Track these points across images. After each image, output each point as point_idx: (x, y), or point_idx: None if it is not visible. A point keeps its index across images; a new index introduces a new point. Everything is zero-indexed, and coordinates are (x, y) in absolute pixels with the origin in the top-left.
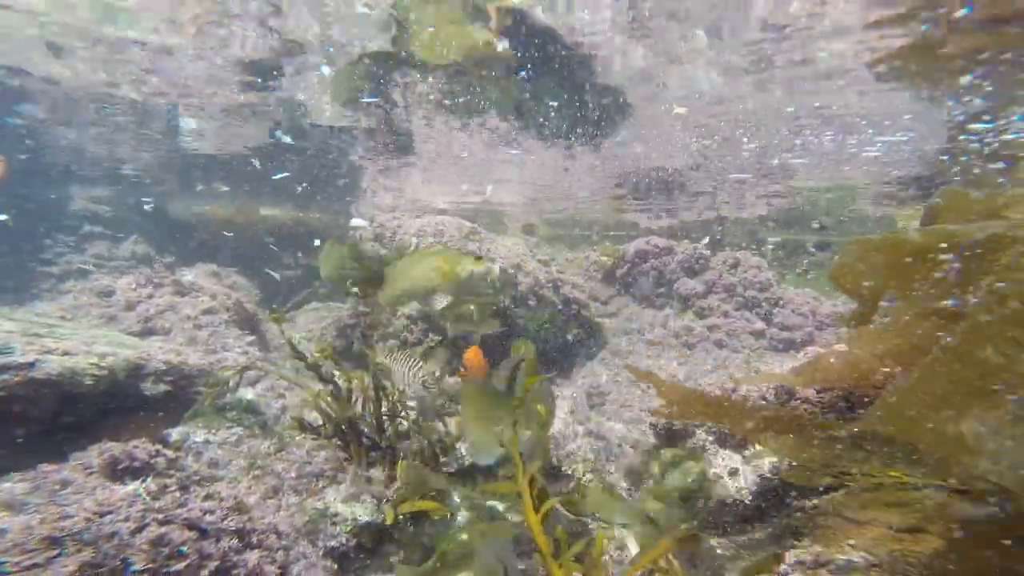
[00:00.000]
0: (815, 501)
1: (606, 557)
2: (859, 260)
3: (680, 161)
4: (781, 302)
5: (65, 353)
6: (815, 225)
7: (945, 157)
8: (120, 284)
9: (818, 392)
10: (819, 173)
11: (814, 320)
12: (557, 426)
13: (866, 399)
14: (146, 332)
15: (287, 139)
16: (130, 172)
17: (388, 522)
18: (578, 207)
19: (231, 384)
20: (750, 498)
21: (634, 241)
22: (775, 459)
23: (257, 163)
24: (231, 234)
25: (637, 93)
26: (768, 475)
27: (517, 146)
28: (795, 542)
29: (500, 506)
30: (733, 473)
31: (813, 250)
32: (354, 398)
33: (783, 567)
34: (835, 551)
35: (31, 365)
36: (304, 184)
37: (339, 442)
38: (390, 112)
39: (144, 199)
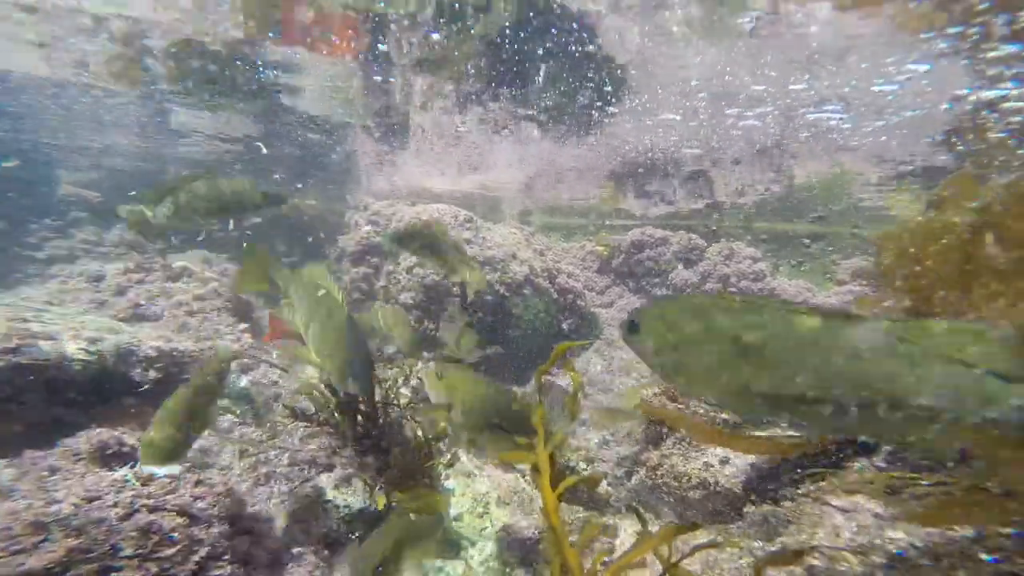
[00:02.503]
0: (803, 489)
1: (599, 545)
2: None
3: (675, 143)
4: (775, 293)
5: (51, 338)
6: (813, 217)
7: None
8: (110, 270)
9: None
10: (816, 157)
11: None
12: None
13: None
14: (136, 318)
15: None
16: (120, 157)
17: (380, 509)
18: (573, 195)
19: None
20: (741, 486)
21: (630, 231)
22: None
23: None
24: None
25: (632, 71)
26: (759, 463)
27: (513, 129)
28: (783, 530)
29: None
30: (725, 462)
31: (807, 242)
32: None
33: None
34: (822, 538)
35: (15, 350)
36: (299, 185)
37: (332, 429)
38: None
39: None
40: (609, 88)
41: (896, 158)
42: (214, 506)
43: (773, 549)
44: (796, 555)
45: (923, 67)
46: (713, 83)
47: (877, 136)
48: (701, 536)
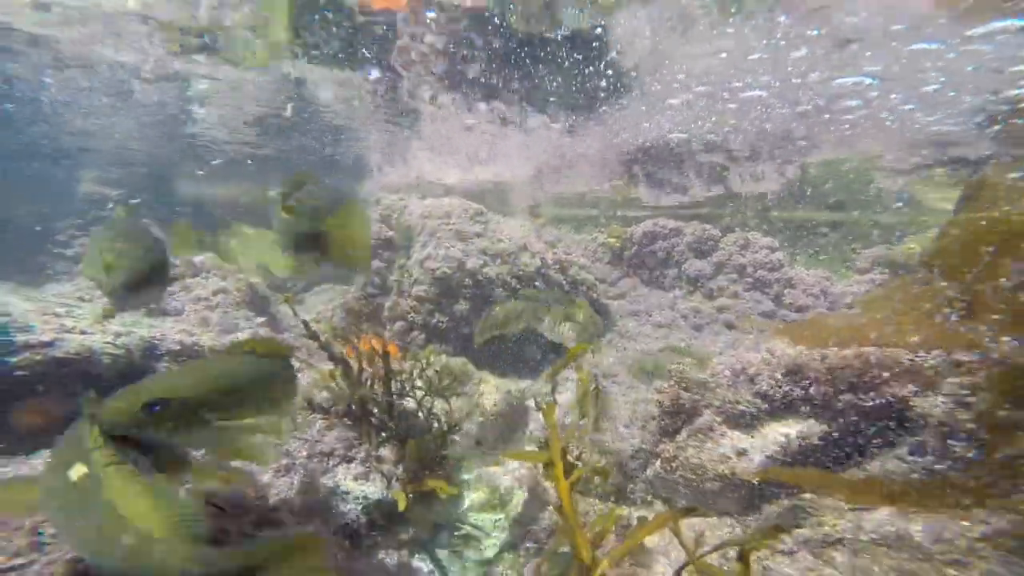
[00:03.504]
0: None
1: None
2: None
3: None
4: (792, 283)
5: (82, 332)
6: (831, 201)
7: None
8: None
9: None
10: (839, 144)
11: (825, 301)
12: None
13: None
14: (158, 312)
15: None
16: (139, 153)
17: (400, 505)
18: (585, 185)
19: None
20: (759, 479)
21: (642, 223)
22: (783, 439)
23: (289, 111)
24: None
25: (644, 62)
26: (776, 456)
27: (522, 119)
28: (803, 522)
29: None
30: (742, 453)
31: (825, 230)
32: (364, 378)
33: (790, 545)
34: (844, 530)
35: (51, 344)
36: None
37: (349, 421)
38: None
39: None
40: (613, 76)
41: (931, 140)
42: (240, 496)
43: (758, 529)
44: (776, 530)
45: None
46: (729, 67)
47: (907, 113)
48: (703, 523)
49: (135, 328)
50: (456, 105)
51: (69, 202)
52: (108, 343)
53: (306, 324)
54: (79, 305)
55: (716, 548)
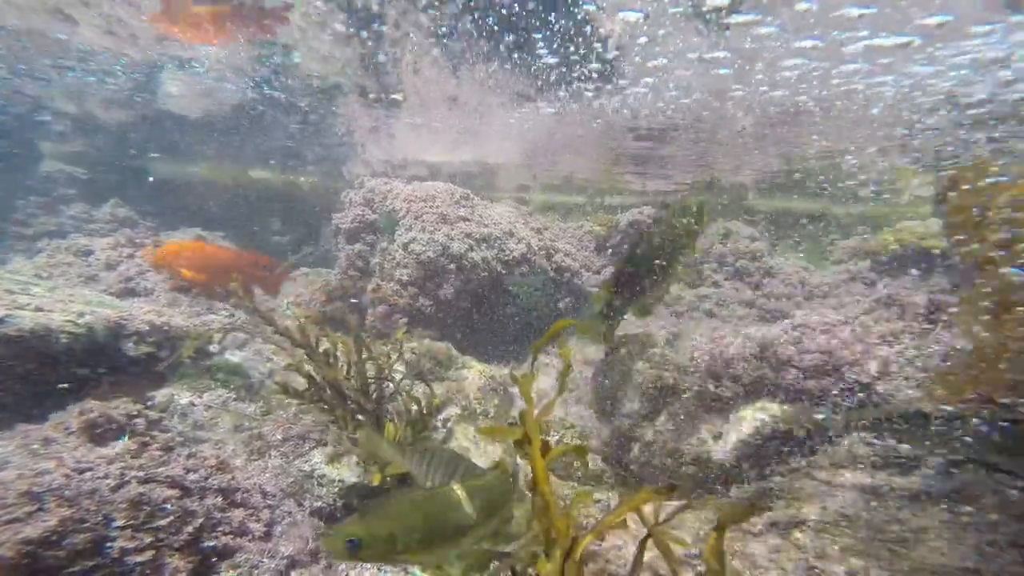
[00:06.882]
0: (794, 464)
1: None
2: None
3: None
4: (771, 272)
5: (38, 309)
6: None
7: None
8: (100, 244)
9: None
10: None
11: (803, 290)
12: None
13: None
14: (127, 292)
15: None
16: (109, 129)
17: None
18: (573, 168)
19: (216, 344)
20: (732, 462)
21: (628, 211)
22: (757, 424)
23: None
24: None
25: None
26: (749, 439)
27: (511, 98)
28: (772, 504)
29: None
30: (717, 437)
31: (804, 221)
32: (339, 362)
33: (758, 527)
34: (808, 511)
35: (1, 321)
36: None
37: (325, 405)
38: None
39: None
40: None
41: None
42: (207, 479)
43: (731, 505)
44: (752, 509)
45: None
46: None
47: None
48: (685, 503)
49: (100, 308)
50: (443, 79)
51: (29, 179)
52: (68, 321)
53: (257, 309)
54: (36, 283)
55: (669, 518)
